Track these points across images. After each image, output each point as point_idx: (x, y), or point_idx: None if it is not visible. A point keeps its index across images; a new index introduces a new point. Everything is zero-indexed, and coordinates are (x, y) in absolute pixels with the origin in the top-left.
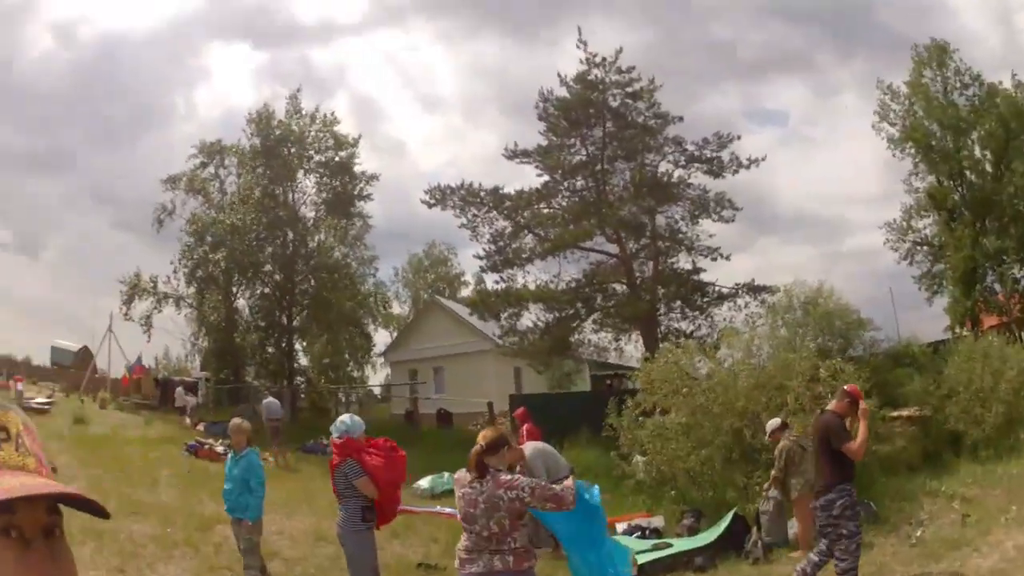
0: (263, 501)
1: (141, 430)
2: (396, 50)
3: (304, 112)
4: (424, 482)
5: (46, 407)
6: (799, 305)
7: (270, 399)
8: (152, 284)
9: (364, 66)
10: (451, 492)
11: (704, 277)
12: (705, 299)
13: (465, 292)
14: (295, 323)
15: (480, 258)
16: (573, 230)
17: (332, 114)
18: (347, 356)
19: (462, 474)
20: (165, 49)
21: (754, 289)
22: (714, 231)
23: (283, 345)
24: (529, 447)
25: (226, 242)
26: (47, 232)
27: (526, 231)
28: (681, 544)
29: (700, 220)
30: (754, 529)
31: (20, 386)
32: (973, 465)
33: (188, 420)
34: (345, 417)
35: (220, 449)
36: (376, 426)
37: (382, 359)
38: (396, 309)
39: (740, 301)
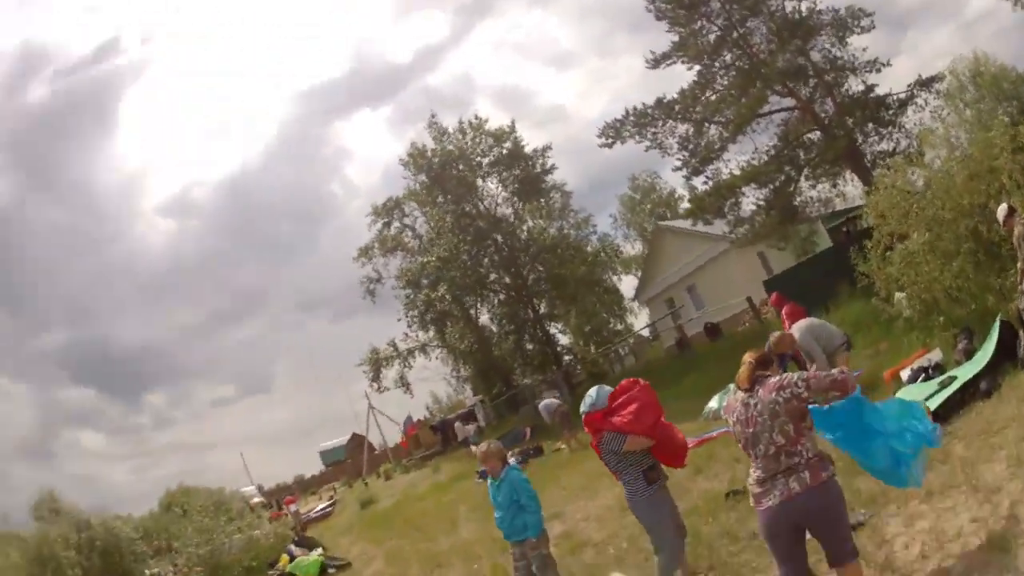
0: (541, 514)
1: (430, 480)
2: (501, 35)
3: (451, 130)
4: (712, 403)
5: (329, 510)
6: (968, 81)
7: (545, 401)
8: (392, 347)
9: (482, 64)
10: None
11: (879, 92)
12: (890, 111)
13: (685, 205)
14: (542, 311)
15: (678, 169)
16: (747, 101)
17: (477, 118)
18: (604, 316)
19: (731, 399)
20: (301, 148)
21: (924, 83)
22: (865, 44)
23: (539, 336)
24: (796, 328)
25: (443, 275)
26: (269, 365)
27: (706, 124)
28: (963, 372)
29: (847, 40)
30: (1021, 331)
31: (294, 507)
32: None
33: (474, 448)
34: (592, 391)
35: (513, 461)
36: (651, 366)
37: (636, 303)
38: (630, 250)
39: (920, 100)
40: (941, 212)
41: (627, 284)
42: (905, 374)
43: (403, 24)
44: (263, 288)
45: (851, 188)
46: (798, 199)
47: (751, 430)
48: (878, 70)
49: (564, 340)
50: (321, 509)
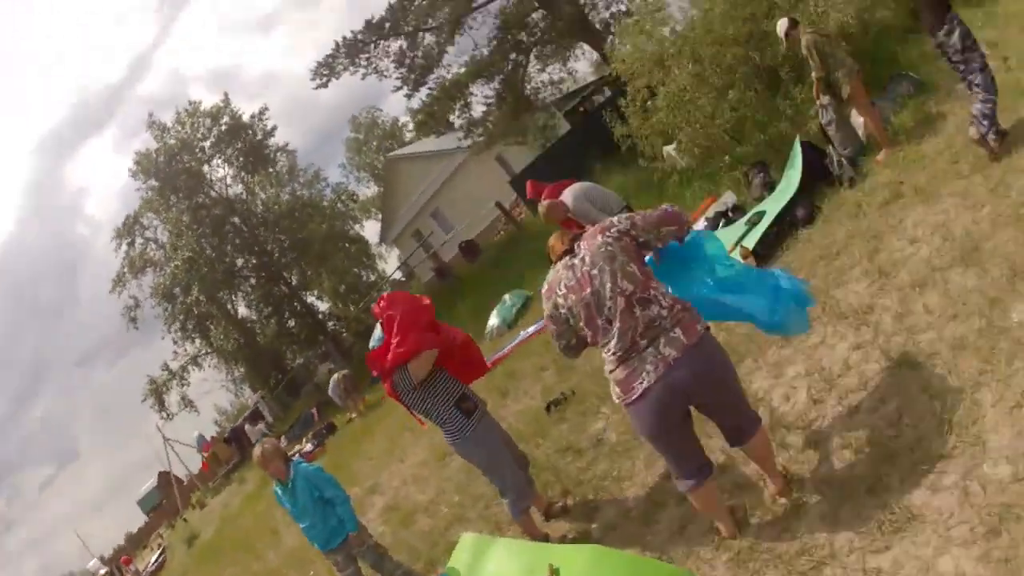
0: (351, 503)
1: (239, 493)
2: (204, 16)
3: (170, 124)
4: (492, 319)
5: (162, 559)
6: None
7: (331, 385)
8: (166, 370)
9: (189, 54)
10: (524, 313)
11: None
12: None
13: (411, 132)
14: (294, 283)
15: (398, 88)
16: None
17: (191, 103)
18: (356, 270)
19: (551, 277)
20: (42, 201)
21: None
22: None
23: (298, 310)
24: (567, 194)
25: (192, 277)
26: (69, 430)
27: (420, 34)
28: (771, 206)
29: None
30: (829, 148)
31: (132, 567)
32: None
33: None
34: (373, 335)
35: (309, 447)
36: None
37: (383, 246)
38: (366, 192)
39: None
40: (702, 49)
41: (371, 230)
42: (700, 225)
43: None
44: (42, 356)
45: (582, 65)
46: (528, 87)
47: (588, 291)
48: None
49: (323, 307)
50: (155, 561)
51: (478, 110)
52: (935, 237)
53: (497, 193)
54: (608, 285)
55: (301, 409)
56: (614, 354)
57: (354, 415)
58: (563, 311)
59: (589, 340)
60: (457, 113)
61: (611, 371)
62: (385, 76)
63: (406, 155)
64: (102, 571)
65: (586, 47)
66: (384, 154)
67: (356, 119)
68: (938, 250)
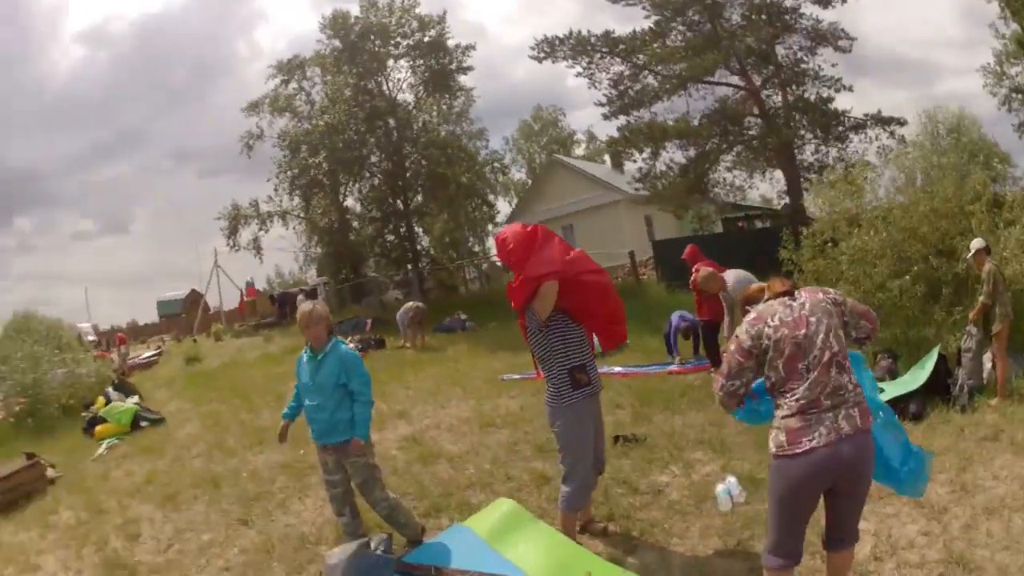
0: (371, 410)
1: (261, 350)
2: None
3: (381, 3)
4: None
5: (154, 359)
6: (945, 133)
7: (402, 310)
8: (254, 207)
9: None
10: (614, 354)
11: (833, 106)
12: (840, 128)
13: (578, 151)
14: (412, 206)
15: (601, 104)
16: (699, 62)
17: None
18: (467, 231)
19: (761, 309)
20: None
21: (882, 120)
22: (835, 61)
23: (402, 231)
24: (729, 274)
25: (325, 143)
26: (132, 207)
27: (645, 71)
28: (892, 389)
29: (819, 51)
30: (958, 370)
31: (124, 347)
32: None
33: None
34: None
35: (353, 346)
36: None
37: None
38: (514, 176)
39: (871, 133)
40: (895, 231)
41: (499, 207)
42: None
43: None
44: (146, 130)
45: (767, 187)
46: (710, 175)
47: (803, 332)
48: (838, 89)
49: (423, 243)
50: (146, 357)
51: (659, 166)
52: (1014, 483)
53: (632, 245)
54: (821, 336)
55: (357, 314)
56: (797, 401)
57: (408, 345)
58: (766, 342)
59: (774, 380)
60: (645, 155)
61: (784, 417)
62: (596, 87)
63: (570, 164)
64: (91, 337)
65: (777, 176)
66: (548, 153)
67: (540, 109)
68: (1013, 494)
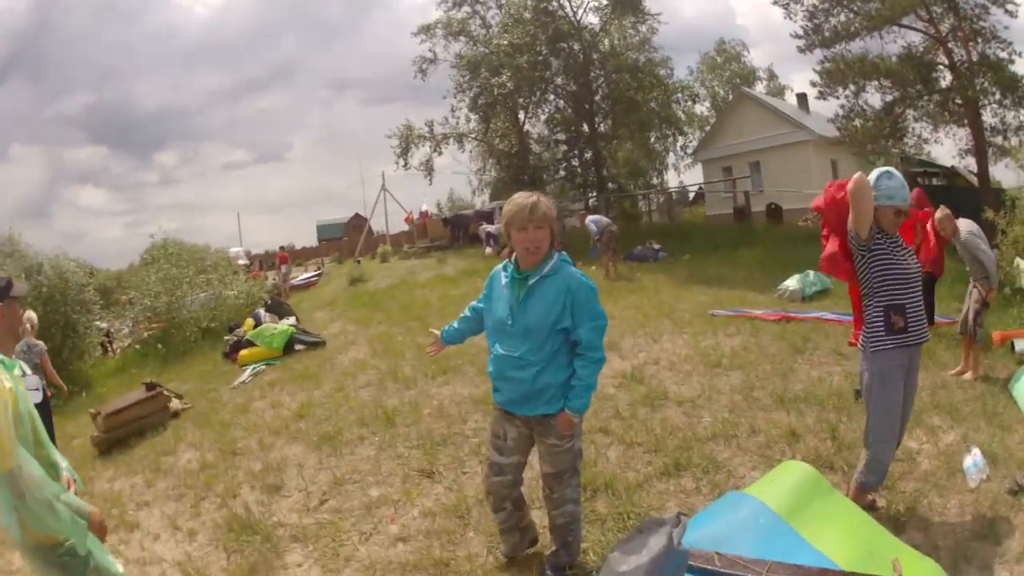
0: (600, 369)
1: (435, 271)
2: None
3: None
4: (791, 283)
5: (314, 279)
6: None
7: (594, 216)
8: (428, 128)
9: None
10: (819, 298)
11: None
12: (1019, 93)
13: (759, 88)
14: (599, 130)
15: (798, 36)
16: (895, 2)
17: None
18: (648, 161)
19: None
20: None
21: None
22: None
23: (587, 156)
24: (963, 224)
25: (508, 63)
26: (287, 136)
27: (841, 6)
28: None
29: (990, 11)
30: None
31: (285, 267)
32: None
33: (490, 249)
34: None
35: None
36: (700, 227)
37: (686, 161)
38: (696, 109)
39: None
40: None
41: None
42: (1020, 344)
43: None
44: (299, 62)
45: (946, 146)
46: (902, 123)
47: None
48: (1010, 55)
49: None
50: (306, 278)
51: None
52: None
53: (818, 187)
54: None
55: None
56: None
57: (600, 269)
58: None
59: None
60: (844, 95)
61: None
62: (791, 17)
63: (759, 99)
64: (242, 261)
65: (957, 134)
66: (732, 88)
67: (724, 43)
68: None
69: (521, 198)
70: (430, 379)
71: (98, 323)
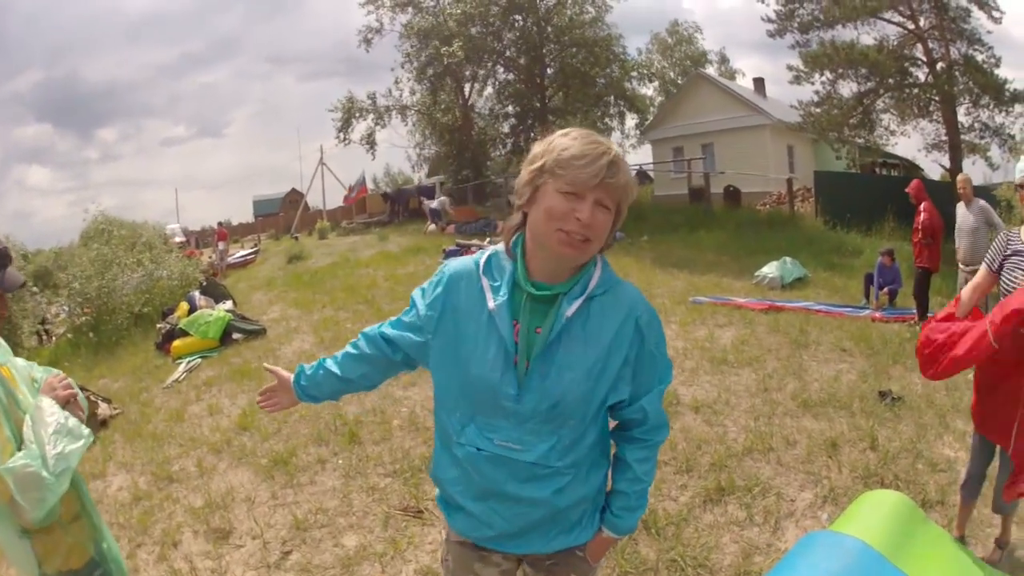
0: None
1: (377, 248)
2: None
3: None
4: (769, 270)
5: (251, 258)
6: None
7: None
8: (371, 101)
9: None
10: (801, 281)
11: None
12: (1002, 96)
13: (710, 70)
14: (551, 104)
15: (769, 20)
16: None
17: None
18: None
19: None
20: None
21: None
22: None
23: (534, 132)
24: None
25: (460, 32)
26: (226, 111)
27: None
28: None
29: (974, 15)
30: None
31: (223, 244)
32: None
33: (433, 226)
34: None
35: (490, 245)
36: (653, 207)
37: (631, 140)
38: (643, 90)
39: (1019, 107)
40: None
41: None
42: None
43: None
44: (241, 36)
45: (914, 139)
46: (873, 114)
47: None
48: (995, 64)
49: None
50: (242, 255)
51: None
52: None
53: (773, 172)
54: None
55: (483, 214)
56: None
57: None
58: None
59: None
60: (819, 81)
61: None
62: (763, 2)
63: (718, 81)
64: (178, 239)
65: (929, 128)
66: (681, 70)
67: (678, 25)
68: None
69: (585, 142)
70: (394, 380)
71: (39, 306)
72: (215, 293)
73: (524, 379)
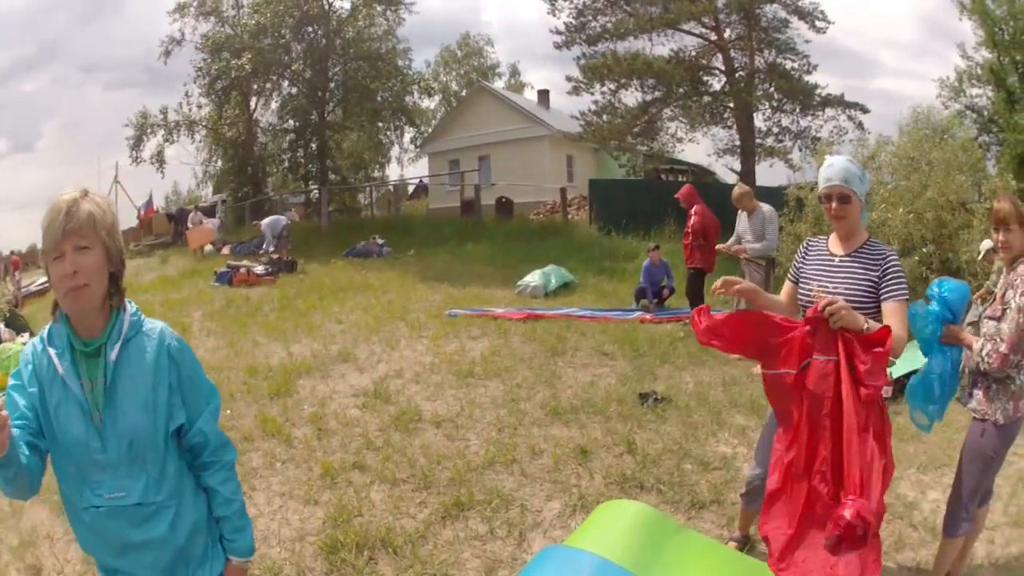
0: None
1: (157, 271)
2: None
3: None
4: (532, 279)
5: (46, 285)
6: (933, 133)
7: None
8: (162, 115)
9: None
10: (564, 293)
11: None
12: (810, 101)
13: (498, 83)
14: (329, 119)
15: (558, 32)
16: (686, 5)
17: None
18: (372, 153)
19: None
20: None
21: (845, 104)
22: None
23: (313, 147)
24: (767, 207)
25: (251, 45)
26: (39, 123)
27: (616, 7)
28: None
29: (791, 25)
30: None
31: (18, 273)
32: None
33: (208, 247)
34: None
35: (260, 270)
36: (424, 221)
37: (410, 154)
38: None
39: (829, 111)
40: (896, 215)
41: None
42: None
43: None
44: (56, 40)
45: (702, 145)
46: (658, 122)
47: None
48: (807, 71)
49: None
50: (42, 283)
51: (615, 103)
52: None
53: (551, 182)
54: None
55: (254, 235)
56: None
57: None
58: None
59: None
60: (600, 91)
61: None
62: (555, 15)
63: (498, 93)
64: None
65: (722, 134)
66: (467, 83)
67: (468, 38)
68: None
69: (48, 210)
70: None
71: None
72: (17, 325)
73: (102, 429)
